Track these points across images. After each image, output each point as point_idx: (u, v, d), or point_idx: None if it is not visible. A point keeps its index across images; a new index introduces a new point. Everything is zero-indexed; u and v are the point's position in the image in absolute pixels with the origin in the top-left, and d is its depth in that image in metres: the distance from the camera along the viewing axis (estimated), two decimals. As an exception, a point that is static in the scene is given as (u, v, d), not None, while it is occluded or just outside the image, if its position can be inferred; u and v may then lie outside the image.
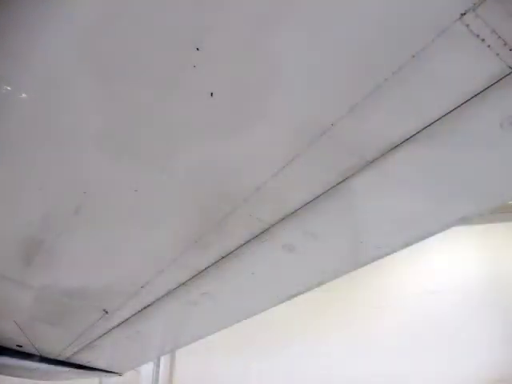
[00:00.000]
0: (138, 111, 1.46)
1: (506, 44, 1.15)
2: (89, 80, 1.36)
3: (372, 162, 1.55)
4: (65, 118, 1.50)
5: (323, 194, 1.72)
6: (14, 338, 3.41)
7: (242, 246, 2.08)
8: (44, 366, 3.86)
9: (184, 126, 1.50)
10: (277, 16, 1.16)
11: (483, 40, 1.14)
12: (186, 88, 1.37)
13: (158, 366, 8.10)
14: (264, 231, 1.97)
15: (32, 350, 3.66)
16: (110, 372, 4.35)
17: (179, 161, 1.63)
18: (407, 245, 2.01)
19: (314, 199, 1.76)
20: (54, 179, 1.77)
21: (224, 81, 1.34)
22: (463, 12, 1.08)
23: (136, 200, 1.84)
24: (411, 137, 1.44)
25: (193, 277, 2.36)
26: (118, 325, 3.03)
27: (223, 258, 2.19)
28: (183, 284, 2.44)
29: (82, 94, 1.41)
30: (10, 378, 4.34)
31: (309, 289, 2.48)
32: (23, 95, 1.42)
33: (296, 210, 1.83)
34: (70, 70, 1.35)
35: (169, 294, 2.55)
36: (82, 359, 3.92)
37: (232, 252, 2.14)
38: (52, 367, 3.90)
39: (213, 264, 2.24)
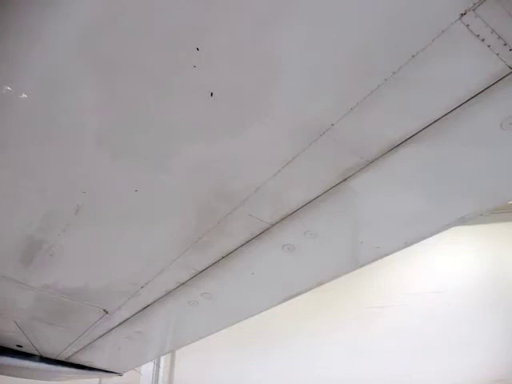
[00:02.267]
0: (137, 111, 1.46)
1: (505, 44, 1.15)
2: (89, 80, 1.36)
3: (372, 162, 1.55)
4: (65, 117, 1.50)
5: (323, 193, 1.72)
6: (14, 337, 3.41)
7: (241, 245, 2.08)
8: (44, 365, 3.85)
9: (184, 125, 1.50)
10: (277, 16, 1.16)
11: (483, 40, 1.14)
12: (186, 88, 1.37)
13: (158, 366, 8.09)
14: (264, 231, 1.97)
15: (32, 350, 3.66)
16: (110, 372, 4.34)
17: (179, 161, 1.63)
18: (407, 245, 2.01)
19: (313, 199, 1.76)
20: (54, 179, 1.77)
21: (224, 81, 1.34)
22: (463, 12, 1.09)
23: (136, 200, 1.84)
24: (411, 137, 1.44)
25: (193, 277, 2.36)
26: (118, 325, 3.03)
27: (223, 257, 2.19)
28: (183, 284, 2.44)
29: (81, 94, 1.41)
30: (9, 377, 4.33)
31: (309, 289, 2.48)
32: (23, 95, 1.42)
33: (296, 210, 1.83)
34: (69, 70, 1.35)
35: (169, 294, 2.55)
36: (82, 359, 3.92)
37: (232, 252, 2.14)
38: (52, 367, 3.90)
39: (213, 264, 2.24)
